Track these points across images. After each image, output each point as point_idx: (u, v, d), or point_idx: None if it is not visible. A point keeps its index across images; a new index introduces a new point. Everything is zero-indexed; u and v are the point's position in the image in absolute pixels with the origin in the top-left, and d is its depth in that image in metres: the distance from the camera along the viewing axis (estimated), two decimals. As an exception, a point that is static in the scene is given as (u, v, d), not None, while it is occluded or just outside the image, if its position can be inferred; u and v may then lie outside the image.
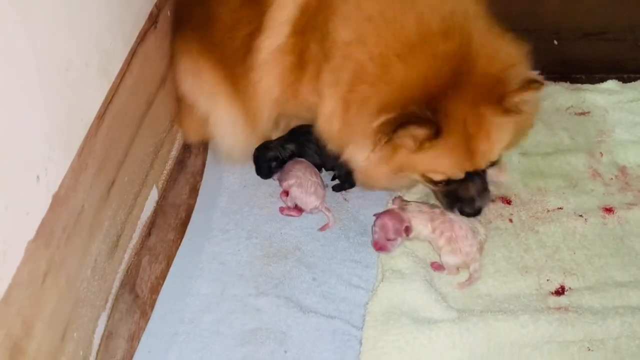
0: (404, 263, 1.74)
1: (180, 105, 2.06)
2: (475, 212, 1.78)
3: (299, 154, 2.04)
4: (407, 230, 1.76)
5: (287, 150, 2.03)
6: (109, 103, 1.49)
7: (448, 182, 1.71)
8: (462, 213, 1.77)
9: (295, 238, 1.90)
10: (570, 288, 1.73)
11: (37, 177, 1.11)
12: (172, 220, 1.97)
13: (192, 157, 2.22)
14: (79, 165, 1.33)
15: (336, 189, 2.03)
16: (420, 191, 1.97)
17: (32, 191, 1.10)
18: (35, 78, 1.10)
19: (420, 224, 1.77)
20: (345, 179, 2.01)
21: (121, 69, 1.55)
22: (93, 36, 1.36)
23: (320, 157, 2.04)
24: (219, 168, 2.15)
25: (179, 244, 1.89)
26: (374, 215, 1.84)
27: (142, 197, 1.85)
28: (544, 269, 1.79)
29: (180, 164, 2.17)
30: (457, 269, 1.75)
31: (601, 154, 2.18)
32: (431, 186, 1.79)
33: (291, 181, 1.94)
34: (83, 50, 1.30)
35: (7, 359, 1.06)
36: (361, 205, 2.02)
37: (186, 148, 2.23)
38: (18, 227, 1.06)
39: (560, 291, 1.73)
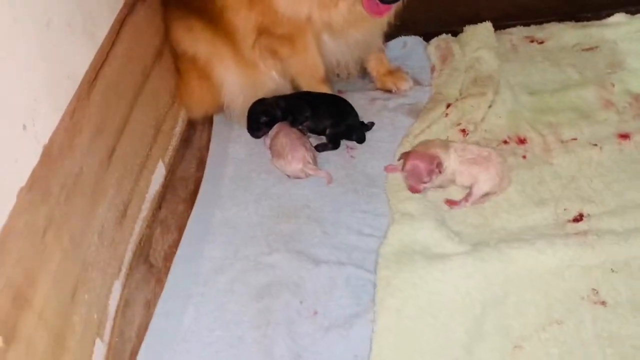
0: (413, 206, 1.72)
1: (182, 67, 2.11)
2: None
3: (290, 111, 2.03)
4: (439, 166, 1.72)
5: (279, 106, 2.03)
6: (99, 69, 1.50)
7: None
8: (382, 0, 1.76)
9: (304, 197, 1.89)
10: (589, 214, 1.68)
11: (24, 125, 1.12)
12: (182, 193, 1.98)
13: (198, 134, 2.23)
14: (72, 126, 1.35)
15: (319, 148, 2.03)
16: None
17: (18, 139, 1.12)
18: (13, 30, 1.12)
19: (447, 156, 1.75)
20: (331, 140, 2.02)
21: (109, 36, 1.57)
22: (73, -3, 1.38)
23: (313, 119, 2.04)
24: (225, 139, 2.16)
25: (190, 215, 1.89)
26: (401, 154, 1.82)
27: (147, 170, 1.86)
28: (560, 199, 1.74)
29: (186, 141, 2.19)
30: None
31: (612, 84, 2.12)
32: None
33: (273, 157, 1.96)
34: (63, 9, 1.32)
35: (10, 304, 1.07)
36: (368, 159, 2.00)
37: (191, 126, 2.24)
38: (6, 172, 1.08)
39: (578, 218, 1.67)
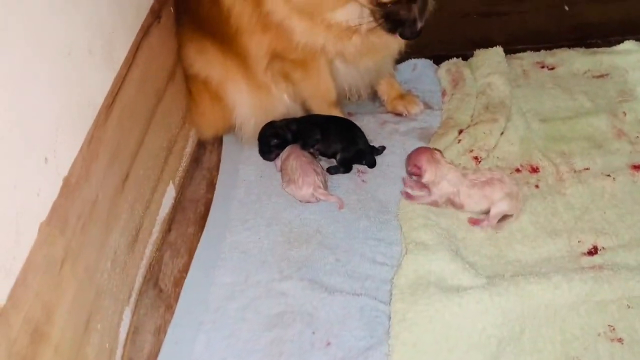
0: (427, 235, 1.70)
1: (193, 89, 2.11)
2: (417, 34, 1.76)
3: (300, 134, 2.03)
4: (417, 176, 1.82)
5: (290, 128, 2.02)
6: (116, 94, 1.49)
7: (396, 2, 1.70)
8: (403, 37, 1.79)
9: (316, 222, 1.87)
10: (603, 247, 1.67)
11: (46, 158, 1.11)
12: (191, 215, 1.96)
13: (207, 154, 2.22)
14: (89, 154, 1.33)
15: (332, 170, 2.02)
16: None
17: (41, 172, 1.10)
18: (36, 59, 1.10)
19: (456, 177, 1.78)
20: (342, 164, 2.01)
21: (126, 60, 1.55)
22: (94, 23, 1.36)
23: (323, 143, 2.03)
24: (235, 160, 2.14)
25: (200, 237, 1.87)
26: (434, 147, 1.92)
27: (159, 193, 1.84)
28: (574, 230, 1.73)
29: (195, 161, 2.17)
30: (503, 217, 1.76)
31: (624, 113, 2.12)
32: (373, 8, 1.76)
33: (284, 182, 1.95)
34: (84, 35, 1.31)
35: (28, 340, 1.05)
36: (380, 184, 1.98)
37: (201, 146, 2.23)
38: (29, 207, 1.06)
39: (593, 251, 1.67)
